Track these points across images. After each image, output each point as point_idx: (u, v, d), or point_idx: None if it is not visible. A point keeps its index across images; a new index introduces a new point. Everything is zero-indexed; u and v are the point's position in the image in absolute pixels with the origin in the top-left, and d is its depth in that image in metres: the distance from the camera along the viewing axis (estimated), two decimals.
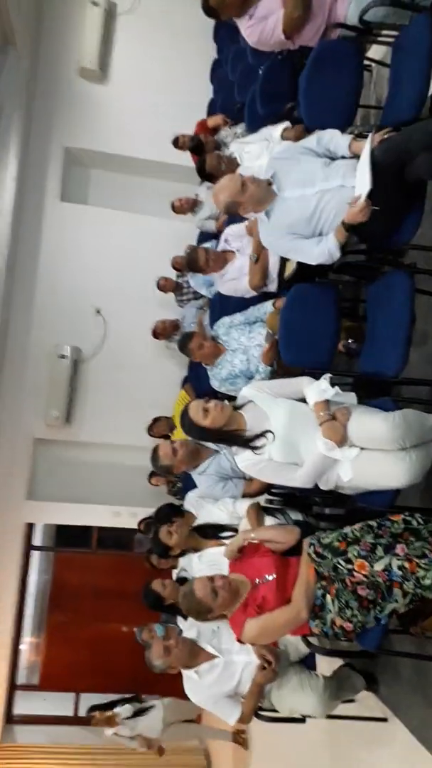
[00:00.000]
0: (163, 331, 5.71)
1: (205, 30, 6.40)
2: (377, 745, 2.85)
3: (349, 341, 3.29)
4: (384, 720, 2.80)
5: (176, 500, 5.34)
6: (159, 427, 5.50)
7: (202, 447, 3.04)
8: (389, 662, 2.82)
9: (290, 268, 3.11)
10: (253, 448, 2.29)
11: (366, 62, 3.24)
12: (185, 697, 2.76)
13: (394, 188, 2.15)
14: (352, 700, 2.89)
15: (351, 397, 2.29)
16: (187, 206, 5.61)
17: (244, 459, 2.33)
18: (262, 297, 3.45)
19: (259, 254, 3.30)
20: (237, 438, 2.33)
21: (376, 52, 3.56)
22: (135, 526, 5.58)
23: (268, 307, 3.29)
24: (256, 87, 3.90)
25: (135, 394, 6.27)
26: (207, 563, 2.88)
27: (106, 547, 6.66)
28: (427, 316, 2.84)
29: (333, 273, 2.72)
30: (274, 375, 3.19)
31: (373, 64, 3.62)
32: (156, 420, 5.54)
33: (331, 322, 2.56)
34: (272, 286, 3.40)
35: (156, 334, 5.77)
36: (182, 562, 3.20)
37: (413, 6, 2.49)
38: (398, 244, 2.37)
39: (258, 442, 2.28)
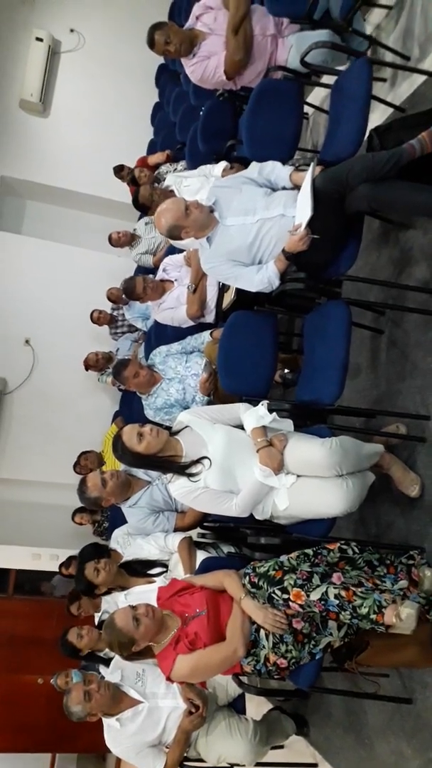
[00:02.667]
0: (96, 363, 5.58)
1: (147, 73, 6.56)
2: None
3: (285, 371, 3.30)
4: (314, 766, 2.68)
5: (101, 540, 5.10)
6: (86, 462, 5.28)
7: (133, 478, 2.91)
8: (321, 703, 2.72)
9: (228, 299, 3.12)
10: (189, 475, 2.21)
11: (304, 109, 3.38)
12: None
13: (333, 218, 2.20)
14: (281, 746, 2.76)
15: (288, 424, 2.27)
16: (124, 240, 5.59)
17: (179, 487, 2.24)
18: (199, 327, 3.42)
19: (197, 284, 3.29)
20: (172, 464, 2.24)
21: (314, 98, 3.73)
22: (56, 569, 5.27)
23: (205, 337, 3.26)
24: (197, 125, 3.98)
25: (62, 428, 6.04)
26: (134, 602, 2.72)
27: (23, 592, 6.23)
28: (360, 349, 2.90)
29: (269, 304, 2.74)
30: (210, 404, 3.14)
31: (310, 111, 3.79)
32: (83, 454, 5.33)
33: (270, 349, 2.56)
34: (209, 317, 3.38)
35: (88, 366, 5.62)
36: (105, 604, 3.02)
37: (351, 50, 2.62)
38: (336, 274, 2.41)
39: (194, 469, 2.20)
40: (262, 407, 2.24)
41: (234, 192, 2.46)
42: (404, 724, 2.18)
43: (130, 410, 4.86)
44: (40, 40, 6.46)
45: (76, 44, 6.74)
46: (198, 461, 2.21)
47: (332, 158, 2.39)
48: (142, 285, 3.46)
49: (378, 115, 2.99)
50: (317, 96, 3.75)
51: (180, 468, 2.22)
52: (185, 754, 2.52)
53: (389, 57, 2.95)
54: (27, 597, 6.18)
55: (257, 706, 2.85)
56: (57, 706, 2.61)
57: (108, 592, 2.91)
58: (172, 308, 3.48)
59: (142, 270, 5.35)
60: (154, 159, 5.49)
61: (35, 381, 6.15)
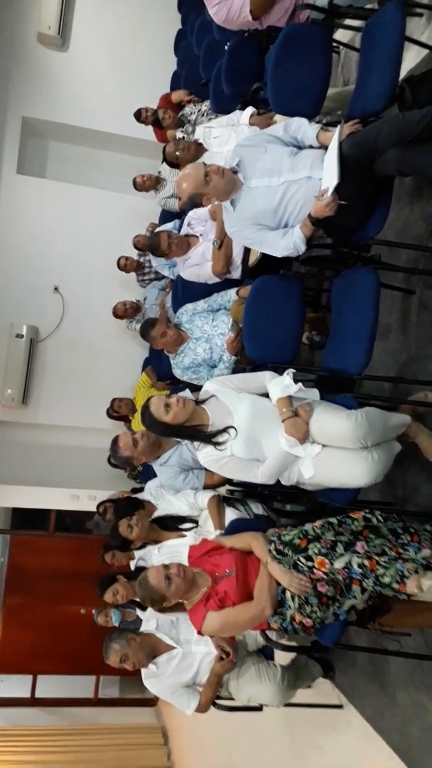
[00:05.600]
0: (124, 312, 5.60)
1: None
2: (333, 732, 2.92)
3: (313, 333, 3.27)
4: (340, 707, 2.86)
5: (136, 483, 5.30)
6: (120, 407, 5.41)
7: (163, 438, 2.99)
8: (346, 652, 2.87)
9: (255, 256, 3.05)
10: (216, 444, 2.26)
11: (334, 44, 3.16)
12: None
13: (362, 183, 2.12)
14: (308, 686, 2.94)
15: (314, 393, 2.27)
16: (149, 183, 5.46)
17: (206, 455, 2.30)
18: (226, 283, 3.39)
19: (223, 240, 3.23)
20: (199, 433, 2.29)
21: (344, 34, 3.48)
22: (94, 509, 5.53)
23: (231, 294, 3.23)
24: (221, 64, 3.77)
25: (94, 375, 6.15)
26: (167, 555, 2.86)
27: (64, 529, 6.58)
28: (390, 309, 2.85)
29: (298, 263, 2.68)
30: (237, 364, 3.16)
31: (341, 47, 3.54)
32: (116, 400, 5.45)
33: (296, 316, 2.53)
34: (236, 273, 3.34)
35: (117, 315, 5.65)
36: (139, 553, 3.17)
37: None
38: (364, 238, 2.33)
39: (220, 438, 2.25)
40: (288, 376, 2.24)
41: (259, 151, 2.36)
42: (425, 678, 2.30)
43: (159, 358, 4.91)
44: None
45: None
46: (224, 430, 2.25)
47: (361, 113, 2.26)
48: (166, 242, 3.41)
49: (413, 56, 2.79)
50: (348, 33, 3.49)
51: (207, 437, 2.26)
52: (218, 694, 2.72)
53: None
54: (68, 534, 6.52)
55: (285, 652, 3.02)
56: (98, 635, 2.80)
57: (142, 546, 3.06)
58: (198, 264, 3.43)
59: (168, 214, 5.26)
60: (176, 96, 5.26)
61: (66, 328, 6.22)
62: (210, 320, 3.24)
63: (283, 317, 2.54)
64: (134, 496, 3.60)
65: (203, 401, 2.36)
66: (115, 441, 2.95)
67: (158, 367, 5.04)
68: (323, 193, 2.12)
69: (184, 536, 2.93)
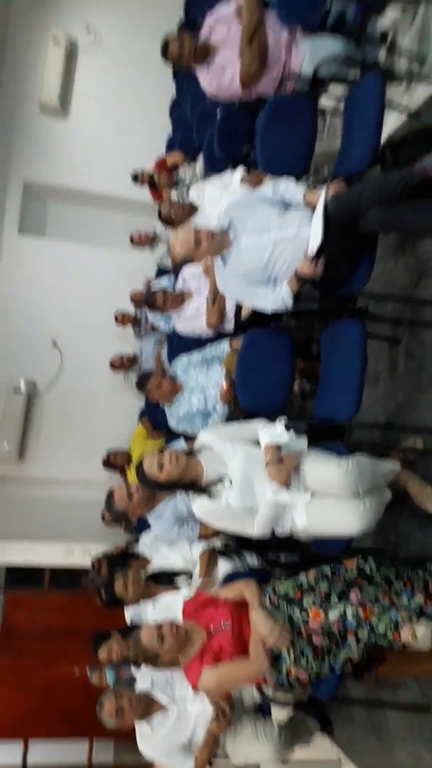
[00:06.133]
0: (121, 364, 5.70)
1: (164, 68, 6.50)
2: None
3: (304, 382, 3.34)
4: (338, 762, 2.77)
5: (131, 536, 5.24)
6: (116, 459, 5.42)
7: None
8: (343, 705, 2.80)
9: (247, 310, 3.15)
10: (210, 494, 2.27)
11: (321, 107, 3.36)
12: None
13: (347, 240, 2.22)
14: (306, 742, 2.85)
15: (302, 442, 2.30)
16: (145, 240, 5.67)
17: (201, 506, 2.30)
18: (219, 335, 3.47)
19: (216, 295, 3.33)
20: (193, 486, 2.30)
21: (330, 99, 3.69)
22: (89, 564, 5.44)
23: (225, 346, 3.31)
24: (214, 129, 3.98)
25: (91, 427, 6.17)
26: (161, 610, 2.82)
27: (59, 585, 6.44)
28: (378, 357, 2.92)
29: (287, 317, 2.78)
30: (230, 414, 3.21)
31: (327, 111, 3.75)
32: (111, 452, 5.47)
33: (286, 367, 2.60)
34: (229, 326, 3.43)
35: (114, 367, 5.74)
36: (134, 609, 3.13)
37: (364, 63, 2.60)
38: (351, 291, 2.42)
39: (214, 489, 2.26)
40: (279, 425, 2.28)
41: (249, 211, 2.48)
42: (423, 731, 2.25)
43: (154, 410, 4.95)
44: (56, 41, 6.47)
45: (93, 43, 6.74)
46: (218, 481, 2.27)
47: (345, 174, 2.39)
48: (161, 299, 3.53)
49: (393, 119, 2.95)
50: (334, 98, 3.71)
51: (201, 488, 2.28)
52: (213, 755, 2.63)
53: (405, 58, 2.91)
54: (63, 590, 6.38)
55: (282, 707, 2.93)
56: (94, 695, 2.72)
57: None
58: (192, 318, 3.53)
59: (163, 270, 5.42)
60: (171, 159, 5.51)
61: (63, 382, 6.28)
62: (204, 371, 3.31)
63: (274, 368, 2.60)
64: (128, 550, 3.58)
65: (198, 452, 2.40)
66: (110, 494, 2.96)
67: (153, 417, 5.08)
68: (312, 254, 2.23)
69: (178, 588, 2.91)
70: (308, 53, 2.91)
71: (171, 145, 6.18)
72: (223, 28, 3.11)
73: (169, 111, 6.60)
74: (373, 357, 2.92)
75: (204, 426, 3.17)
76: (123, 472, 5.40)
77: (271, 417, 2.38)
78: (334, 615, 1.97)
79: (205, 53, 3.09)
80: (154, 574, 2.96)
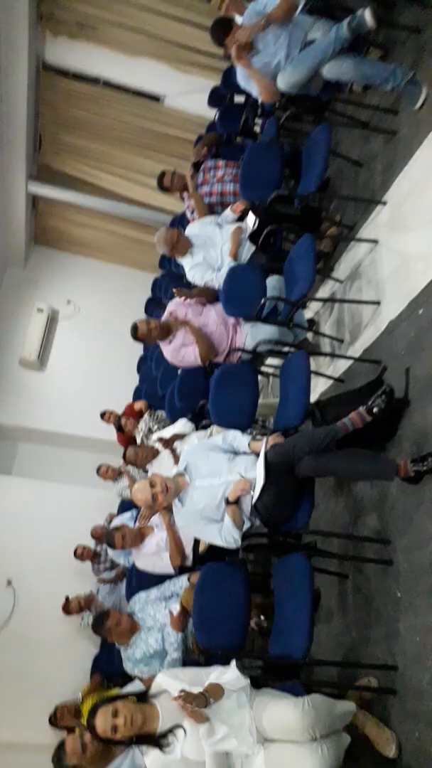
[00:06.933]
0: (78, 608, 5.52)
1: None
2: None
3: (261, 618, 3.38)
4: None
5: None
6: (63, 717, 4.94)
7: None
8: None
9: (204, 544, 3.34)
10: (164, 747, 2.19)
11: (264, 370, 4.00)
12: None
13: (286, 483, 2.55)
14: None
15: (241, 681, 2.30)
16: (111, 474, 5.97)
17: (153, 760, 2.20)
18: (181, 570, 3.58)
19: (174, 536, 3.52)
20: (147, 737, 2.23)
21: (270, 365, 4.40)
22: None
23: (183, 581, 3.41)
24: (175, 384, 4.59)
25: (40, 677, 5.69)
26: None
27: None
28: (330, 593, 3.06)
29: (243, 551, 2.96)
30: (188, 653, 3.18)
31: (269, 373, 4.44)
32: (58, 709, 5.00)
33: (241, 602, 2.70)
34: (188, 562, 3.56)
35: (68, 611, 5.54)
36: None
37: (292, 344, 3.24)
38: (296, 527, 2.68)
39: (168, 740, 2.19)
40: (232, 669, 2.32)
41: (203, 458, 2.84)
42: None
43: (109, 656, 4.73)
44: (40, 310, 7.55)
45: (72, 312, 7.88)
46: (171, 730, 2.21)
47: (282, 427, 2.84)
48: (120, 539, 3.69)
49: (322, 383, 3.56)
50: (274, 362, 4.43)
51: (154, 739, 2.20)
52: None
53: (328, 339, 3.63)
54: None
55: None
56: None
57: None
58: (153, 554, 3.66)
59: (127, 503, 5.63)
60: (138, 406, 6.12)
61: (14, 624, 5.97)
62: (162, 608, 3.34)
63: (230, 604, 2.70)
64: None
65: (155, 696, 2.36)
66: (60, 746, 2.77)
67: (108, 665, 4.83)
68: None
69: None
70: (249, 334, 3.61)
71: (138, 394, 6.90)
72: (183, 310, 3.85)
73: (137, 366, 7.49)
74: (326, 592, 3.07)
75: (161, 667, 3.11)
76: (71, 731, 4.89)
77: (228, 656, 2.42)
78: None
79: (167, 331, 3.77)
80: None
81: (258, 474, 2.53)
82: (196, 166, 4.54)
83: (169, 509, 2.87)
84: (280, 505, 2.56)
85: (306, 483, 2.65)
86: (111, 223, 7.63)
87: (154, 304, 6.96)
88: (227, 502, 2.62)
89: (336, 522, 3.13)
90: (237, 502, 2.63)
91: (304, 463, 2.47)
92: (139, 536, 3.73)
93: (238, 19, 3.49)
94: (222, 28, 3.37)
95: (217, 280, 3.88)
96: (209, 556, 3.19)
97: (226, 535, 2.62)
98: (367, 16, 2.94)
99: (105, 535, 3.93)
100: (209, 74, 5.71)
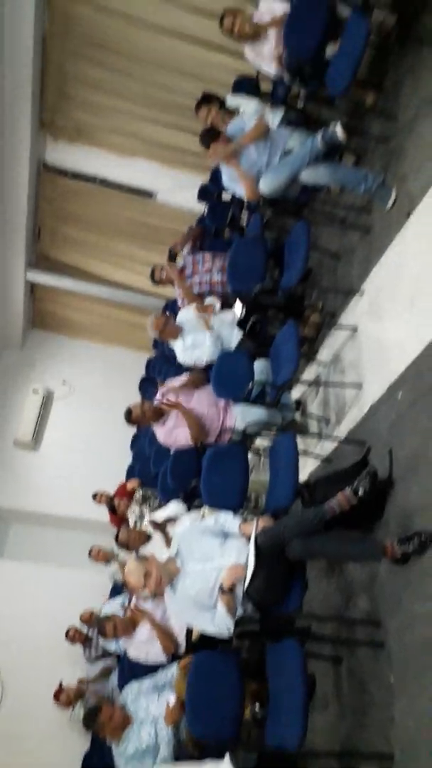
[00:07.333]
0: (68, 701, 5.33)
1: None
2: None
3: (256, 707, 3.30)
4: None
5: None
6: None
7: None
8: None
9: (197, 631, 3.31)
10: None
11: (255, 447, 4.10)
12: None
13: (277, 566, 2.59)
14: None
15: None
16: (102, 556, 5.91)
17: None
18: (173, 658, 3.52)
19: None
20: None
21: (262, 443, 4.50)
22: None
23: (174, 669, 3.34)
24: (167, 464, 4.65)
25: None
26: None
27: None
28: (325, 678, 3.02)
29: (237, 639, 2.94)
30: (182, 745, 3.08)
31: (261, 450, 4.53)
32: None
33: (235, 691, 2.67)
34: (182, 650, 3.51)
35: (59, 699, 5.34)
36: None
37: (279, 426, 3.36)
38: (287, 611, 2.69)
39: None
40: (226, 764, 2.28)
41: (195, 541, 2.89)
42: None
43: (101, 753, 4.52)
44: (36, 392, 7.70)
45: (67, 392, 8.04)
46: None
47: (273, 509, 2.91)
48: (112, 628, 3.66)
49: (311, 463, 3.65)
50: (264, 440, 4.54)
51: None
52: None
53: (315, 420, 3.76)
54: None
55: None
56: None
57: None
58: (146, 642, 3.61)
59: (118, 587, 5.54)
60: (131, 485, 6.14)
61: (2, 714, 5.72)
62: (155, 699, 3.26)
63: (223, 693, 2.67)
64: None
65: None
66: None
67: (100, 762, 4.61)
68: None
69: None
70: (239, 415, 3.74)
71: (131, 472, 6.91)
72: (172, 396, 3.99)
73: (131, 444, 7.56)
74: (321, 678, 3.04)
75: (154, 763, 3.01)
76: None
77: (222, 749, 2.38)
78: None
79: (160, 414, 3.90)
80: None
81: (249, 559, 2.58)
82: (171, 256, 5.01)
83: (159, 596, 2.87)
84: (272, 588, 2.59)
85: (297, 565, 2.69)
86: (107, 307, 7.93)
87: (148, 384, 7.13)
88: (221, 590, 2.63)
89: (329, 603, 3.14)
90: (231, 589, 2.64)
91: (293, 546, 2.52)
92: (131, 624, 3.69)
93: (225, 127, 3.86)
94: (210, 137, 3.73)
95: (205, 354, 4.07)
96: (202, 644, 3.17)
97: (219, 623, 2.63)
98: (339, 130, 3.27)
99: (96, 623, 3.89)
100: (198, 172, 6.13)
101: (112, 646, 5.14)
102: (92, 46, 5.43)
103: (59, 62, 5.53)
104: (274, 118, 3.61)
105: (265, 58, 3.71)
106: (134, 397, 7.20)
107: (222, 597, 2.64)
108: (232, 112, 4.09)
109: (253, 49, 3.83)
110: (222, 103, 4.10)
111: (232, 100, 4.05)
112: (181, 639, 3.45)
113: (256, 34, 3.66)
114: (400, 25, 3.45)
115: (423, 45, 3.23)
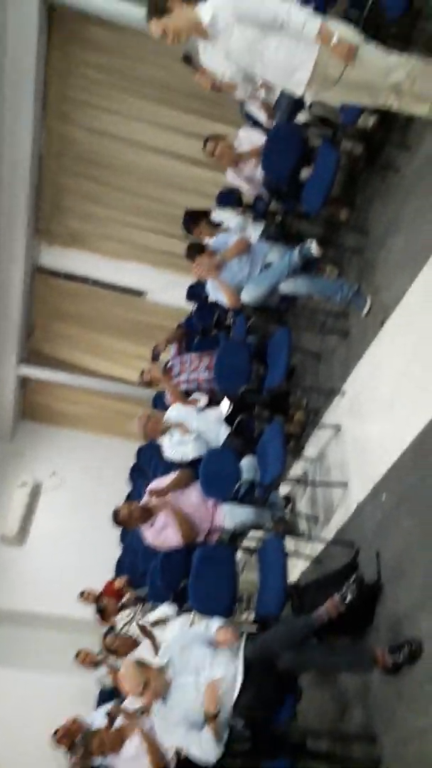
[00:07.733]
0: None
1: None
2: None
3: None
4: None
5: None
6: None
7: None
8: None
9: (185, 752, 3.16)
10: None
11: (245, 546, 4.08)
12: None
13: (267, 679, 2.54)
14: None
15: None
16: (89, 661, 5.67)
17: None
18: None
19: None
20: None
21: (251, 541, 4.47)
22: None
23: None
24: (157, 563, 4.59)
25: None
26: None
27: None
28: None
29: (229, 757, 2.82)
30: None
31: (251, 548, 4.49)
32: None
33: None
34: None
35: None
36: None
37: (268, 525, 3.39)
38: (281, 724, 2.61)
39: None
40: None
41: (185, 651, 2.81)
42: None
43: None
44: (24, 485, 7.65)
45: (56, 484, 7.98)
46: None
47: (263, 616, 2.89)
48: (98, 741, 3.49)
49: (301, 565, 3.64)
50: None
51: None
52: None
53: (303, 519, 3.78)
54: None
55: None
56: None
57: None
58: (133, 758, 3.43)
59: (105, 694, 5.28)
60: (119, 583, 6.00)
61: None
62: None
63: None
64: None
65: None
66: None
67: None
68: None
69: None
70: (228, 514, 3.76)
71: (120, 567, 6.75)
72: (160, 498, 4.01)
73: (120, 537, 7.43)
74: None
75: None
76: None
77: None
78: None
79: (149, 514, 3.91)
80: None
81: (237, 673, 2.53)
82: (155, 356, 5.37)
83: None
84: (262, 703, 2.53)
85: (287, 676, 2.64)
86: (98, 398, 8.05)
87: (139, 473, 7.11)
88: (205, 713, 2.53)
89: (323, 714, 3.04)
90: (215, 716, 2.52)
91: (284, 659, 2.49)
92: (119, 739, 3.52)
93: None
94: (195, 251, 4.01)
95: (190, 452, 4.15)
96: (193, 763, 3.02)
97: (206, 748, 2.52)
98: (314, 247, 3.53)
99: (81, 737, 3.71)
100: (187, 273, 6.43)
101: (96, 761, 4.86)
102: (85, 163, 5.87)
103: (54, 177, 5.96)
104: (254, 232, 3.89)
105: (244, 180, 4.05)
106: (125, 488, 7.19)
107: (209, 723, 2.54)
108: (217, 225, 4.40)
109: (233, 170, 4.18)
110: (208, 217, 4.43)
111: (217, 216, 4.37)
112: (171, 754, 3.29)
113: (236, 160, 4.01)
114: (368, 152, 3.81)
115: (388, 170, 3.55)
